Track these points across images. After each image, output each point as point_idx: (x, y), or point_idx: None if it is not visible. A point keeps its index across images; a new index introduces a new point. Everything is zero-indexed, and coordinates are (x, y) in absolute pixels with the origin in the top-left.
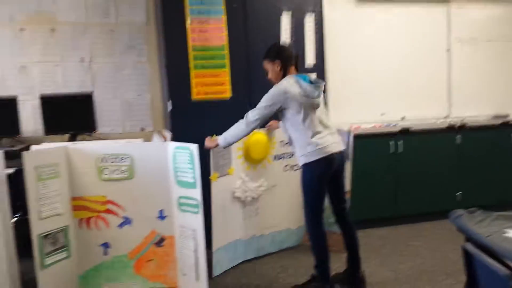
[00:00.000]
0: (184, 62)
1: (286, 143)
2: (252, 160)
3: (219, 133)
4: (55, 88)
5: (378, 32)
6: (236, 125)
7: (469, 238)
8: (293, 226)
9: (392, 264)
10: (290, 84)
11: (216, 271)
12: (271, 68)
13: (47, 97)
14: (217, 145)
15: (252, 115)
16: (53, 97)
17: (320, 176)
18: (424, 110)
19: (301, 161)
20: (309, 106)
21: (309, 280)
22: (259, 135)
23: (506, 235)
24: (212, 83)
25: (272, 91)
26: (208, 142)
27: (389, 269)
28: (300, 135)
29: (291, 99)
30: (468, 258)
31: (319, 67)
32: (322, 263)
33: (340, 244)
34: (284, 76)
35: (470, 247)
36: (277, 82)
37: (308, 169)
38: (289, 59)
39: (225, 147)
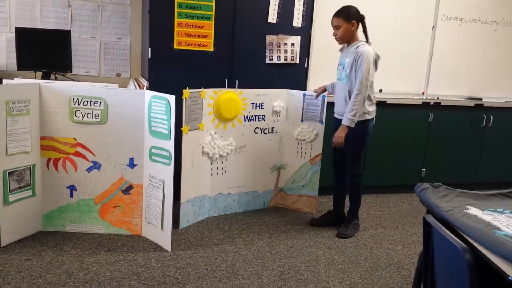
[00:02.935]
0: (168, 9)
1: (257, 106)
2: (222, 118)
3: (198, 86)
4: (32, 22)
5: (366, 1)
6: (354, 102)
7: (431, 211)
8: (260, 190)
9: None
10: (372, 50)
11: (183, 224)
12: (344, 27)
13: (23, 30)
14: (347, 128)
15: (359, 84)
16: (29, 30)
17: (370, 133)
18: (401, 85)
19: (362, 117)
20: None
21: (325, 214)
22: (231, 94)
23: (467, 211)
24: (195, 34)
25: (366, 56)
26: (338, 134)
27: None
28: (367, 99)
29: (374, 64)
30: (428, 229)
31: (305, 30)
32: (359, 204)
33: (312, 205)
34: (353, 37)
35: (430, 218)
36: (342, 41)
37: (365, 125)
38: (363, 24)
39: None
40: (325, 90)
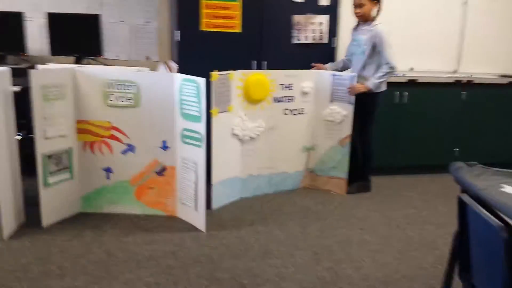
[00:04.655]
0: None
1: (286, 87)
2: (251, 99)
3: (226, 68)
4: (62, 7)
5: None
6: (385, 73)
7: (466, 190)
8: (290, 170)
9: (385, 211)
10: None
11: (215, 204)
12: (368, 6)
13: (55, 15)
14: (369, 89)
15: (390, 61)
16: (60, 15)
17: (380, 105)
18: (433, 63)
19: (379, 88)
20: None
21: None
22: (259, 75)
23: (502, 189)
24: (222, 15)
25: (384, 36)
26: (359, 86)
27: (382, 215)
28: (379, 71)
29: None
30: (463, 208)
31: (333, 9)
32: (368, 168)
33: (341, 187)
34: (370, 16)
35: (466, 197)
36: (364, 19)
37: (378, 97)
38: (380, 5)
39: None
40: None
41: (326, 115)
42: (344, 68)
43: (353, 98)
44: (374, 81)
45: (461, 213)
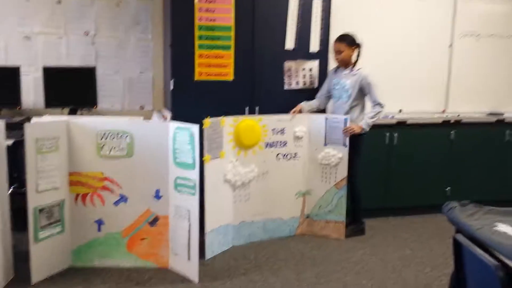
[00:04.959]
0: (189, 42)
1: (278, 132)
2: (242, 145)
3: (219, 115)
4: (58, 60)
5: (383, 23)
6: (377, 113)
7: (460, 230)
8: (285, 216)
9: (381, 253)
10: None
11: (208, 254)
12: (346, 51)
13: (50, 69)
14: (362, 129)
15: (380, 101)
16: (56, 69)
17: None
18: (421, 104)
19: (365, 129)
20: None
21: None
22: (250, 121)
23: (496, 228)
24: (215, 64)
25: (370, 78)
26: (354, 127)
27: (378, 258)
28: (363, 111)
29: None
30: (458, 248)
31: (323, 54)
32: (361, 210)
33: (340, 231)
34: (350, 61)
35: (461, 238)
36: (344, 64)
37: (364, 138)
38: (359, 51)
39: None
40: (300, 111)
41: (321, 159)
42: (319, 108)
43: (347, 140)
44: (368, 121)
45: (456, 254)
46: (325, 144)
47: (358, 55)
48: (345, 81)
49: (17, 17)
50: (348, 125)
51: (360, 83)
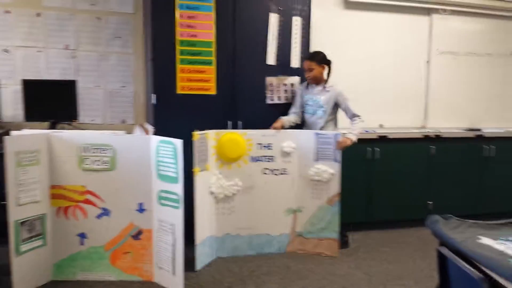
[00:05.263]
0: (170, 56)
1: (264, 146)
2: (226, 158)
3: (202, 129)
4: (37, 74)
5: (362, 39)
6: (358, 123)
7: (444, 243)
8: (274, 233)
9: (365, 267)
10: None
11: (198, 265)
12: (316, 69)
13: (29, 82)
14: (353, 141)
15: (357, 112)
16: (35, 82)
17: None
18: (401, 119)
19: (354, 141)
20: None
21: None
22: (233, 134)
23: (480, 241)
24: (197, 78)
25: (344, 93)
26: (347, 140)
27: (363, 272)
28: (336, 125)
29: None
30: (442, 261)
31: (303, 71)
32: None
33: (333, 248)
34: (324, 78)
35: (445, 250)
36: (315, 81)
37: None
38: (329, 68)
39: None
40: (283, 126)
41: (313, 175)
42: (296, 123)
43: (339, 155)
44: (355, 132)
45: (441, 266)
46: (316, 160)
47: (329, 72)
48: (319, 97)
49: None
50: (340, 139)
51: (336, 99)
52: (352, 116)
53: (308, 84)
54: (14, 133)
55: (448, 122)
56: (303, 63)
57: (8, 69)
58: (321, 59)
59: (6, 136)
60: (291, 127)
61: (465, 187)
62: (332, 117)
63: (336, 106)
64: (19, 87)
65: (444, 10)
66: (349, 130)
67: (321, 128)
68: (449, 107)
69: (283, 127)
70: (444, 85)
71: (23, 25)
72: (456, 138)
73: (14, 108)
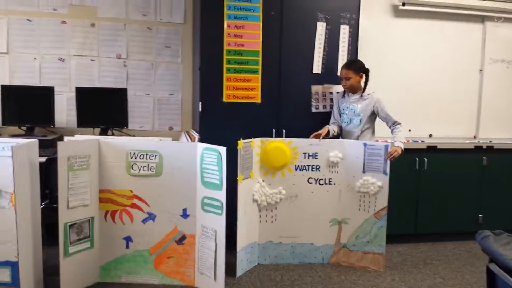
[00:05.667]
0: (217, 65)
1: (310, 156)
2: (270, 166)
3: (246, 137)
4: (90, 82)
5: (412, 47)
6: (401, 131)
7: (494, 259)
8: (317, 243)
9: (411, 281)
10: None
11: (239, 272)
12: (354, 78)
13: (83, 90)
14: (402, 150)
15: (397, 120)
16: (88, 90)
17: None
18: (451, 129)
19: (403, 149)
20: None
21: None
22: (278, 143)
23: None
24: (243, 87)
25: (382, 100)
26: (398, 149)
27: (407, 286)
28: (374, 134)
29: None
30: (492, 278)
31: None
32: None
33: (379, 263)
34: (361, 87)
35: (494, 267)
36: (351, 90)
37: None
38: (367, 76)
39: None
40: (327, 134)
41: (360, 187)
42: (338, 132)
43: (388, 167)
44: (402, 141)
45: (490, 284)
46: (364, 172)
47: (366, 81)
48: (356, 106)
49: (52, 40)
50: (390, 149)
51: (374, 107)
52: (393, 123)
53: (344, 92)
54: (66, 138)
55: (501, 133)
56: (340, 71)
57: (63, 77)
58: (358, 68)
59: (59, 142)
60: (334, 137)
61: None
62: (369, 126)
63: (373, 114)
64: (73, 95)
65: (499, 18)
66: (394, 139)
67: (357, 137)
68: (502, 117)
69: (327, 135)
70: (497, 94)
71: (78, 35)
72: (509, 149)
73: (67, 115)
